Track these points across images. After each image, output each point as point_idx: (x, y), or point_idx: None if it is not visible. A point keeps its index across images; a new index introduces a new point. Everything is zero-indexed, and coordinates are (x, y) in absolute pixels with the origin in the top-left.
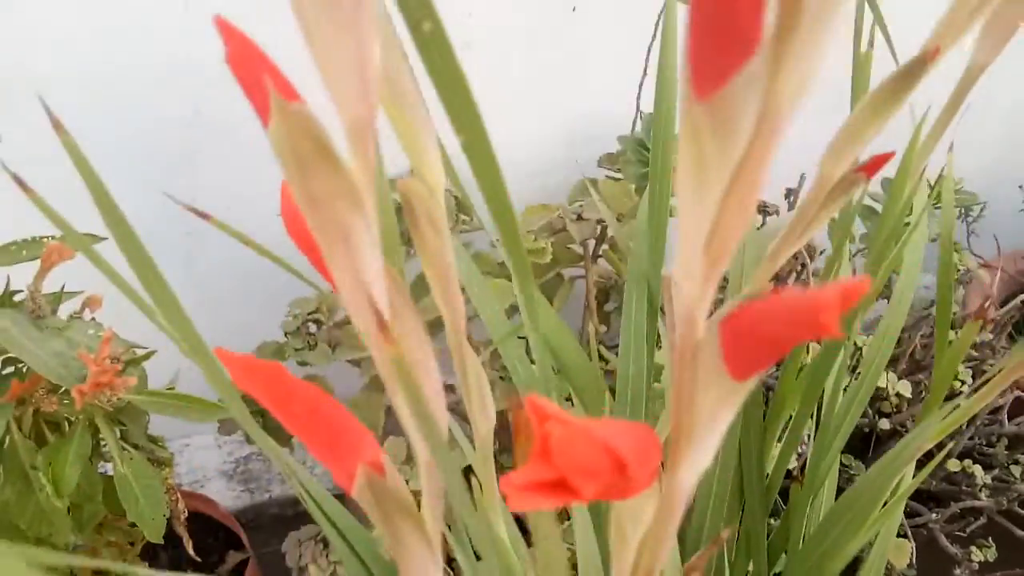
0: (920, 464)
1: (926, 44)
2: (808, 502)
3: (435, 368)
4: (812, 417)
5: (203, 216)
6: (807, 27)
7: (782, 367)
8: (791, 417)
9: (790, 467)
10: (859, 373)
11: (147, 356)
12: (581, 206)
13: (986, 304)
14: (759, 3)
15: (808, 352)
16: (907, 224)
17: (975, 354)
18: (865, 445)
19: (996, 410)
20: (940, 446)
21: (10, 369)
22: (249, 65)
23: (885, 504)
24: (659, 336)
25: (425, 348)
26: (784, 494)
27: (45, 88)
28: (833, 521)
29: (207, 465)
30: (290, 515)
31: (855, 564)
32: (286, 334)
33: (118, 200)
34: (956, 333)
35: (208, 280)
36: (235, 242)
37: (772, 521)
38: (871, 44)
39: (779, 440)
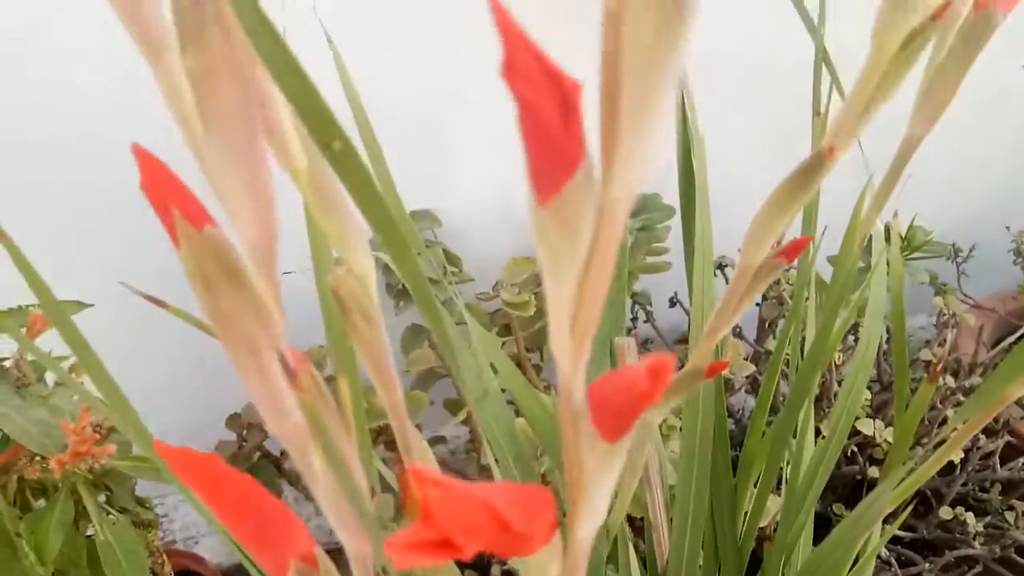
0: (917, 512)
1: (820, 146)
2: (781, 560)
3: (356, 458)
4: (784, 470)
5: (160, 304)
6: (626, 140)
7: (749, 425)
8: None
9: (763, 525)
10: (823, 432)
11: None
12: None
13: (939, 366)
14: (573, 126)
15: (772, 410)
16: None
17: (961, 401)
18: (857, 493)
19: (988, 455)
20: (936, 493)
21: None
22: (162, 190)
23: (856, 563)
24: None
25: (347, 446)
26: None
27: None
28: None
29: (201, 521)
30: None
31: None
32: None
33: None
34: (951, 379)
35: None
36: None
37: None
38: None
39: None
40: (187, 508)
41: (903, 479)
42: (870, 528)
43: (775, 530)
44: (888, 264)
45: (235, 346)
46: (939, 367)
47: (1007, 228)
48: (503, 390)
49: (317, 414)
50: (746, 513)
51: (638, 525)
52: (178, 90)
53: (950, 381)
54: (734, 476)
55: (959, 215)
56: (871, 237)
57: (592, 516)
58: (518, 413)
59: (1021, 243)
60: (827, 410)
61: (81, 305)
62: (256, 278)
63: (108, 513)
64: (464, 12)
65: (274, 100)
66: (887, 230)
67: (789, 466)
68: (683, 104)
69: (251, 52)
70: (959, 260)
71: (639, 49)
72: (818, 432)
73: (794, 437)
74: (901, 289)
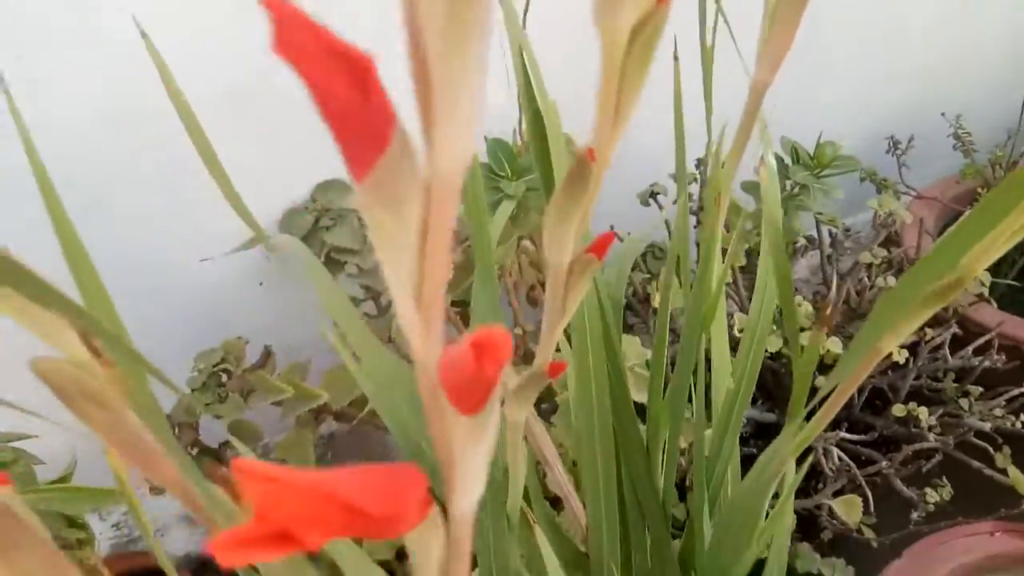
0: (875, 409)
1: (584, 144)
2: (703, 508)
3: None
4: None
5: None
6: (443, 118)
7: (649, 389)
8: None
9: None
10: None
11: (23, 443)
12: None
13: (828, 311)
14: (372, 97)
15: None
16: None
17: None
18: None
19: (938, 347)
20: (892, 387)
21: None
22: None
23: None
24: None
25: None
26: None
27: None
28: (723, 536)
29: (167, 511)
30: None
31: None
32: (192, 391)
33: None
34: (890, 279)
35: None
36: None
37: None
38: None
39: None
40: (149, 502)
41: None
42: (777, 476)
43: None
44: (765, 206)
45: None
46: (828, 314)
47: (942, 115)
48: None
49: None
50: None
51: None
52: None
53: (892, 281)
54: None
55: (895, 108)
56: (762, 169)
57: (467, 491)
58: None
59: (958, 127)
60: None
61: None
62: None
63: None
64: None
65: None
66: (781, 160)
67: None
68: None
69: None
70: (899, 152)
71: (438, 33)
72: None
73: (694, 390)
74: (779, 240)
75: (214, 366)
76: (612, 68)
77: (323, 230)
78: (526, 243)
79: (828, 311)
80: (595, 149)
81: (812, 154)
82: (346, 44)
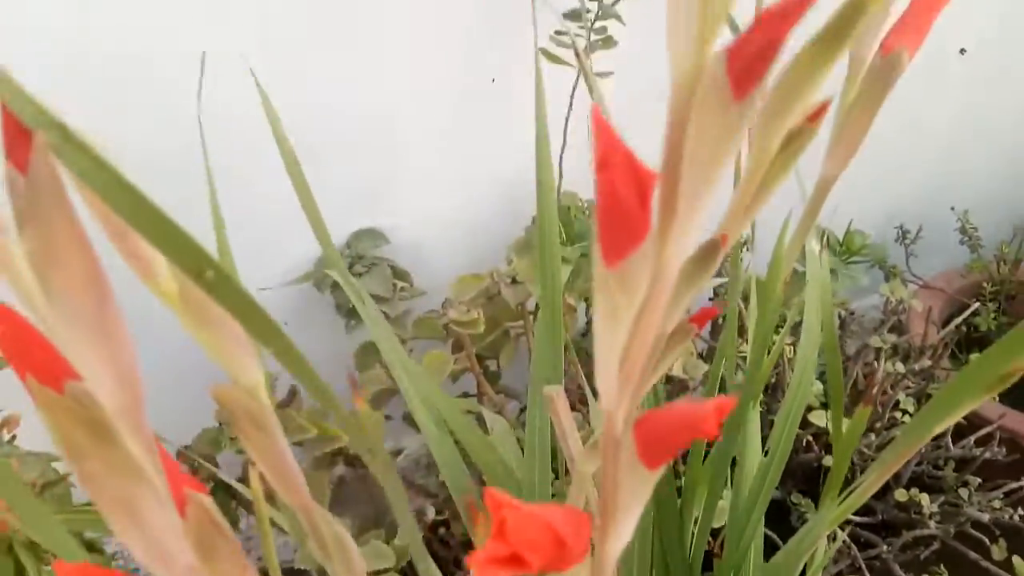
0: (874, 493)
1: (716, 231)
2: (730, 573)
3: None
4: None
5: None
6: (680, 221)
7: (689, 454)
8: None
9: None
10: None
11: (65, 476)
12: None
13: (873, 390)
14: (646, 208)
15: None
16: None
17: (911, 384)
18: (816, 479)
19: (941, 435)
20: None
21: None
22: (18, 345)
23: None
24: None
25: (246, 572)
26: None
27: None
28: None
29: None
30: None
31: None
32: (220, 423)
33: None
34: (900, 365)
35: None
36: (170, 330)
37: None
38: None
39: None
40: None
41: (842, 500)
42: (808, 553)
43: (722, 544)
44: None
45: (109, 506)
46: (872, 392)
47: (951, 208)
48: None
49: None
50: (694, 533)
51: None
52: (16, 269)
53: (900, 367)
54: (679, 496)
55: (906, 198)
56: (822, 252)
57: (621, 536)
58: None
59: (966, 222)
60: (781, 401)
61: None
62: (126, 437)
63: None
64: (413, 41)
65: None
66: (823, 236)
67: (732, 487)
68: None
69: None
70: (907, 242)
71: (701, 148)
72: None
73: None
74: (831, 327)
75: None
76: (758, 169)
77: (356, 276)
78: (570, 302)
79: (874, 389)
80: (726, 235)
81: (841, 240)
82: (642, 165)
